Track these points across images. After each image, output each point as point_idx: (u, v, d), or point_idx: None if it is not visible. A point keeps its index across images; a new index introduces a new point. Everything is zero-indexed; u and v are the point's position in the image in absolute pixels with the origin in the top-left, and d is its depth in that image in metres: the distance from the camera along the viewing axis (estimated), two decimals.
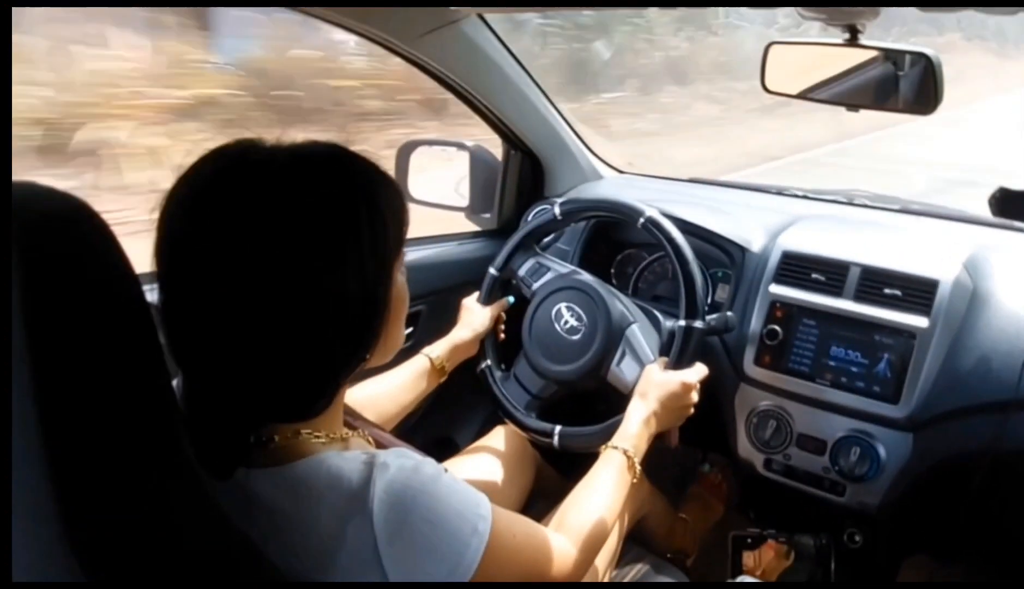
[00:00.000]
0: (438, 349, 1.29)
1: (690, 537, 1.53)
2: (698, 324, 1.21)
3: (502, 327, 1.43)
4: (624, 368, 1.25)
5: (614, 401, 1.22)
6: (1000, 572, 1.46)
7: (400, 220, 0.72)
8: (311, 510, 0.67)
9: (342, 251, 0.65)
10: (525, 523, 0.83)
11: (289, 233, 0.63)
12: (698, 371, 1.20)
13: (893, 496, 1.20)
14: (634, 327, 1.28)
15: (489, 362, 1.36)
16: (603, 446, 1.09)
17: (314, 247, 0.63)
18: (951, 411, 1.15)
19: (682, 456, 1.79)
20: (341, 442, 0.75)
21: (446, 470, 0.73)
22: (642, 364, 1.23)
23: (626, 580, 1.26)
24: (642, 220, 1.29)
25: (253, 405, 0.68)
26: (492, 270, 1.41)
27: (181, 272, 0.64)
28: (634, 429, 1.10)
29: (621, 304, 1.31)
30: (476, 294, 1.42)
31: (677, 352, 1.21)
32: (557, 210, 1.39)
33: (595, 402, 1.31)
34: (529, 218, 1.45)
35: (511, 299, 1.43)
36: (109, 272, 0.54)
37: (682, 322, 1.22)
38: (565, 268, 1.40)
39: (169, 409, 0.58)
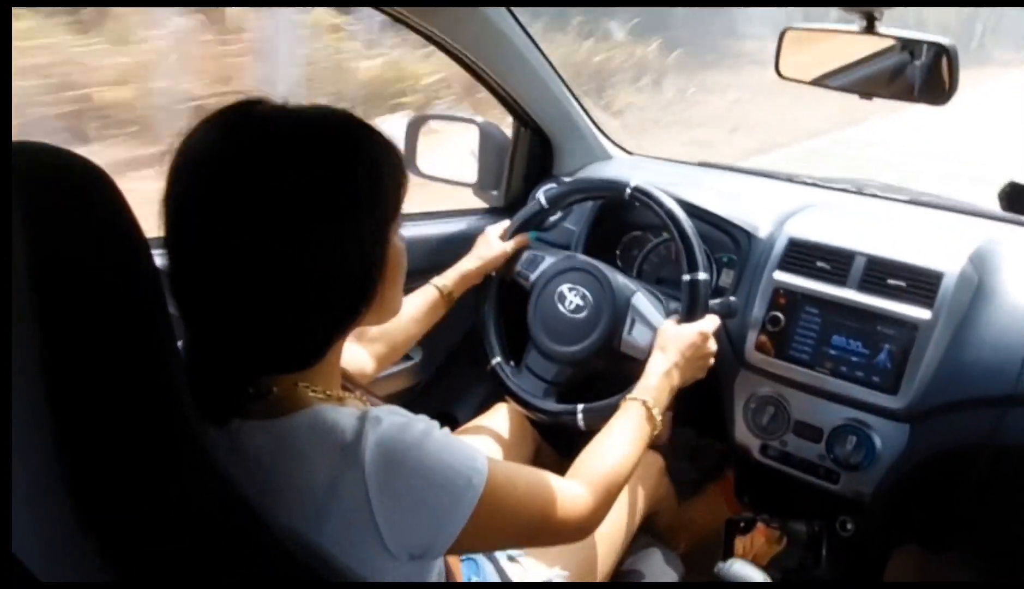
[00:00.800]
0: (445, 278, 1.31)
1: (688, 535, 1.55)
2: (702, 276, 1.22)
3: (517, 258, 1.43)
4: (636, 335, 1.26)
5: (631, 372, 1.21)
6: (991, 564, 1.47)
7: (399, 184, 0.73)
8: (304, 461, 0.68)
9: (342, 211, 0.67)
10: (530, 472, 0.83)
11: (292, 192, 0.65)
12: (712, 320, 1.20)
13: (886, 486, 1.21)
14: (639, 294, 1.30)
15: (499, 359, 1.35)
16: (623, 399, 1.09)
17: (315, 206, 0.65)
18: (949, 404, 1.16)
19: (703, 459, 1.81)
20: (337, 400, 0.76)
21: (442, 427, 0.74)
22: (653, 328, 1.24)
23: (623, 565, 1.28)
24: (628, 191, 1.30)
25: (253, 354, 0.70)
26: (541, 198, 1.41)
27: (186, 228, 0.66)
28: (654, 381, 1.10)
29: (622, 276, 1.32)
30: (501, 224, 1.43)
31: (687, 305, 1.21)
32: (543, 199, 1.39)
33: (613, 377, 1.30)
34: (537, 195, 1.44)
35: (533, 235, 1.44)
36: (118, 234, 0.55)
37: (687, 277, 1.22)
38: (560, 253, 1.40)
39: (174, 374, 0.59)
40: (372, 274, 0.72)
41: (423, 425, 0.72)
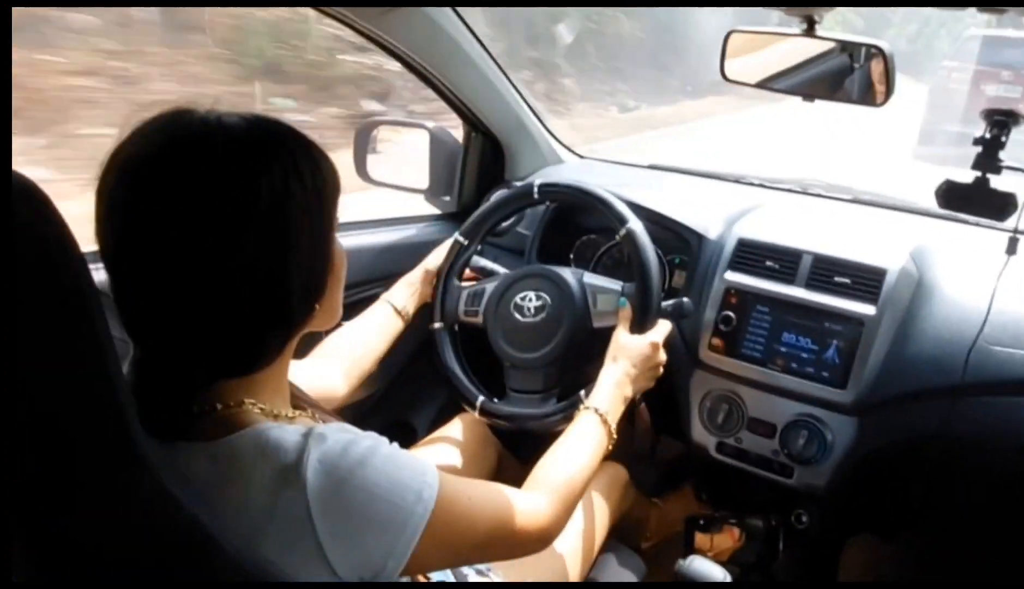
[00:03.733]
0: (395, 294, 1.31)
1: (657, 524, 1.56)
2: (634, 224, 1.24)
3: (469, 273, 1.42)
4: (602, 306, 1.27)
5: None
6: (941, 552, 1.51)
7: (334, 188, 0.73)
8: (243, 481, 0.66)
9: (279, 216, 0.66)
10: (484, 485, 0.82)
11: (228, 199, 0.64)
12: (663, 328, 1.21)
13: (839, 478, 1.24)
14: (586, 274, 1.32)
15: (482, 398, 1.31)
16: (578, 408, 1.09)
17: (252, 213, 0.65)
18: (896, 396, 1.19)
19: (662, 459, 1.82)
20: (286, 420, 0.74)
21: (400, 437, 0.73)
22: (615, 291, 1.27)
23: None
24: (536, 191, 1.35)
25: (200, 358, 0.69)
26: (459, 237, 1.39)
27: (123, 240, 0.64)
28: (607, 391, 1.11)
29: (564, 267, 1.34)
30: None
31: (640, 309, 1.22)
32: (460, 237, 1.38)
33: (601, 355, 1.25)
34: (495, 197, 1.43)
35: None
36: (47, 249, 0.52)
37: (622, 229, 1.25)
38: (495, 279, 1.38)
39: (116, 392, 0.56)
40: (315, 278, 0.72)
41: (370, 441, 0.70)
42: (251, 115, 0.69)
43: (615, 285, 1.28)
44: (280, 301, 0.69)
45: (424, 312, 1.35)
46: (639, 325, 1.20)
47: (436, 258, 1.38)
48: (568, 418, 1.14)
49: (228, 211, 0.63)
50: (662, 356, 1.20)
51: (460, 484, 0.76)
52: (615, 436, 1.08)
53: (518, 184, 1.41)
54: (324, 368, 1.14)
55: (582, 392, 1.19)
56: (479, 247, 1.42)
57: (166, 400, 0.69)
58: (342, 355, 1.17)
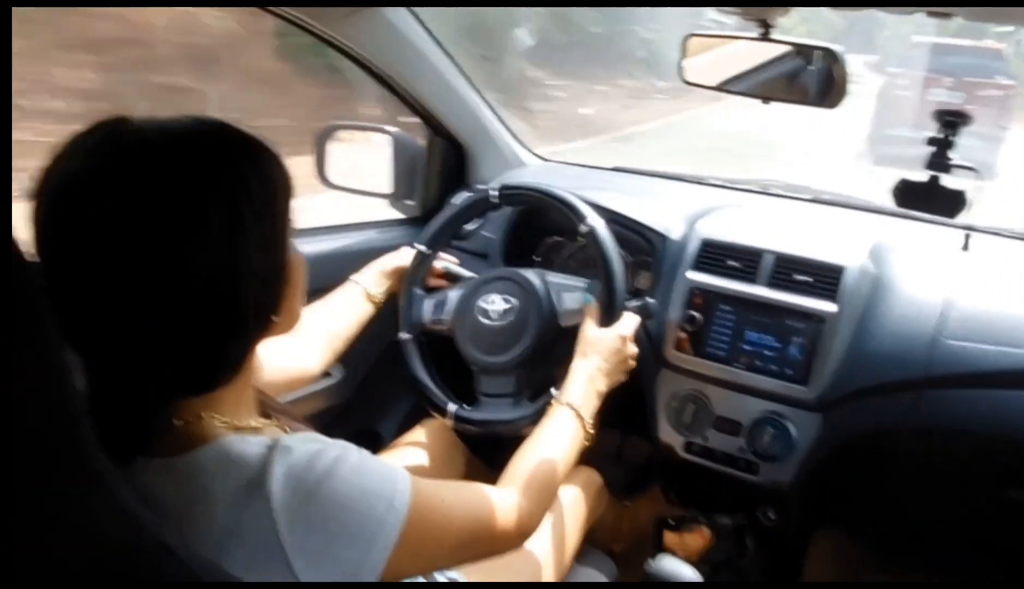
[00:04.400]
0: (366, 278, 1.30)
1: (628, 526, 1.56)
2: (596, 221, 1.25)
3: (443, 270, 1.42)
4: (568, 303, 1.27)
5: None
6: (907, 545, 1.54)
7: (288, 191, 0.71)
8: (205, 498, 0.63)
9: (231, 224, 0.63)
10: (457, 485, 0.81)
11: (172, 209, 0.61)
12: (631, 321, 1.21)
13: (804, 474, 1.26)
14: (549, 273, 1.32)
15: (454, 406, 1.29)
16: (551, 404, 1.09)
17: (201, 222, 0.62)
18: (858, 391, 1.21)
19: (630, 460, 1.82)
20: (251, 431, 0.71)
21: (365, 445, 0.71)
22: (580, 287, 1.28)
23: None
24: (494, 195, 1.34)
25: (157, 378, 0.65)
26: (420, 247, 1.37)
27: (63, 256, 0.60)
28: (579, 387, 1.10)
29: (527, 268, 1.34)
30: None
31: (606, 304, 1.22)
32: (421, 247, 1.36)
33: (571, 354, 1.25)
34: (456, 202, 1.42)
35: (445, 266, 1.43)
36: None
37: (583, 227, 1.25)
38: (459, 286, 1.37)
39: (71, 407, 0.54)
40: (270, 291, 0.70)
41: (337, 450, 0.68)
42: (192, 122, 0.66)
43: (579, 282, 1.29)
44: (233, 319, 0.66)
45: (387, 319, 1.34)
46: (606, 319, 1.20)
47: (406, 256, 1.36)
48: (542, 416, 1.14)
49: (171, 232, 0.60)
50: (632, 348, 1.20)
51: (432, 486, 0.74)
52: (591, 431, 1.07)
53: (480, 187, 1.40)
54: (297, 347, 1.11)
55: (553, 390, 1.18)
56: (477, 223, 1.46)
57: (119, 418, 0.66)
58: (315, 332, 1.16)
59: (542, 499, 0.91)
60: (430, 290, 1.39)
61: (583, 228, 1.24)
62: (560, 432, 1.03)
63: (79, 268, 0.60)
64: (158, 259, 0.60)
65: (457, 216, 1.39)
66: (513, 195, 1.35)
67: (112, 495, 0.56)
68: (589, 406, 1.09)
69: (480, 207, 1.39)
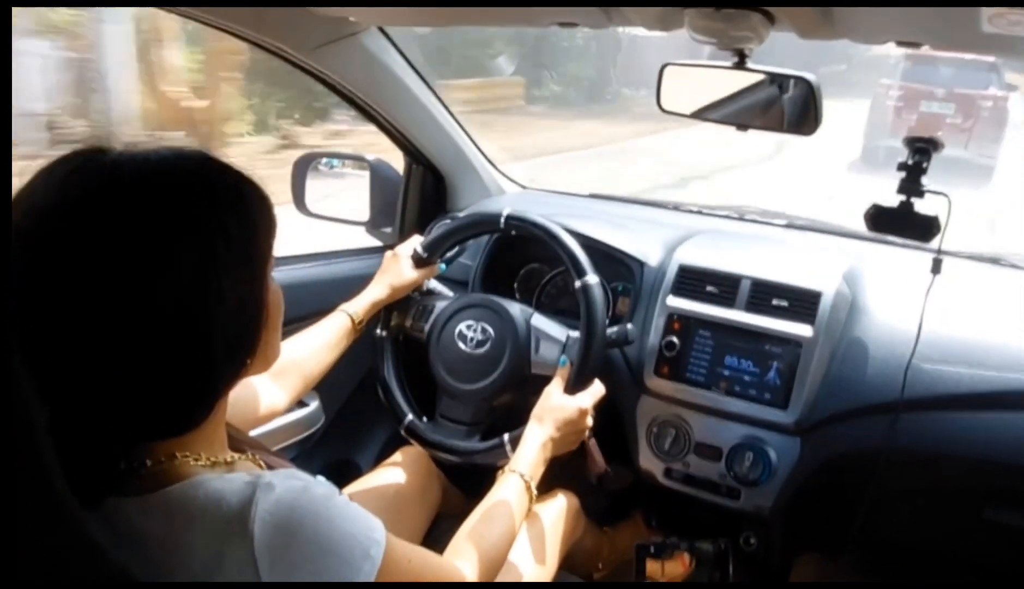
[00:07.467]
0: (356, 306, 1.27)
1: (609, 553, 1.54)
2: (592, 279, 1.23)
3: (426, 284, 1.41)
4: (544, 353, 1.28)
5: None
6: (888, 567, 1.54)
7: (269, 223, 0.70)
8: (184, 537, 0.62)
9: (209, 259, 0.62)
10: (421, 550, 0.80)
11: (149, 244, 0.59)
12: (594, 393, 1.21)
13: (784, 498, 1.25)
14: (536, 315, 1.32)
15: (411, 417, 1.30)
16: (500, 470, 1.09)
17: (179, 257, 0.60)
18: (836, 414, 1.22)
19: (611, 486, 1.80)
20: (225, 466, 0.70)
21: (341, 493, 0.70)
22: (558, 342, 1.27)
23: None
24: (503, 220, 1.32)
25: (125, 421, 0.63)
26: (419, 249, 1.36)
27: (37, 291, 0.58)
28: (531, 454, 1.12)
29: (516, 303, 1.34)
30: (411, 241, 1.38)
31: (577, 368, 1.22)
32: (419, 249, 1.36)
33: (531, 405, 1.25)
34: (432, 230, 1.42)
35: (443, 267, 1.41)
36: None
37: (578, 282, 1.24)
38: (449, 296, 1.39)
39: (39, 447, 0.52)
40: (252, 323, 0.68)
41: (323, 489, 0.67)
42: (174, 155, 0.64)
43: (560, 334, 1.29)
44: (204, 362, 0.64)
45: (364, 347, 1.32)
46: (575, 383, 1.21)
47: (400, 277, 1.34)
48: (486, 458, 1.22)
49: (141, 273, 0.59)
50: (588, 422, 1.20)
51: (401, 545, 0.74)
52: (535, 496, 1.08)
53: (489, 212, 1.38)
54: (268, 387, 1.10)
55: (506, 436, 1.21)
56: (455, 251, 1.44)
57: (89, 459, 0.63)
58: (289, 372, 1.13)
59: (490, 570, 0.92)
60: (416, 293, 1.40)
61: (578, 283, 1.24)
62: (510, 503, 1.03)
63: (45, 302, 0.58)
64: (126, 299, 0.58)
65: (460, 228, 1.39)
66: (519, 226, 1.32)
67: (82, 534, 0.54)
68: (537, 474, 1.11)
69: (484, 227, 1.39)
